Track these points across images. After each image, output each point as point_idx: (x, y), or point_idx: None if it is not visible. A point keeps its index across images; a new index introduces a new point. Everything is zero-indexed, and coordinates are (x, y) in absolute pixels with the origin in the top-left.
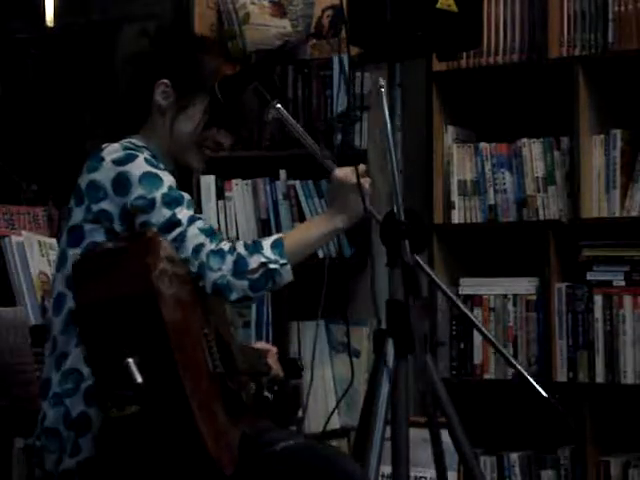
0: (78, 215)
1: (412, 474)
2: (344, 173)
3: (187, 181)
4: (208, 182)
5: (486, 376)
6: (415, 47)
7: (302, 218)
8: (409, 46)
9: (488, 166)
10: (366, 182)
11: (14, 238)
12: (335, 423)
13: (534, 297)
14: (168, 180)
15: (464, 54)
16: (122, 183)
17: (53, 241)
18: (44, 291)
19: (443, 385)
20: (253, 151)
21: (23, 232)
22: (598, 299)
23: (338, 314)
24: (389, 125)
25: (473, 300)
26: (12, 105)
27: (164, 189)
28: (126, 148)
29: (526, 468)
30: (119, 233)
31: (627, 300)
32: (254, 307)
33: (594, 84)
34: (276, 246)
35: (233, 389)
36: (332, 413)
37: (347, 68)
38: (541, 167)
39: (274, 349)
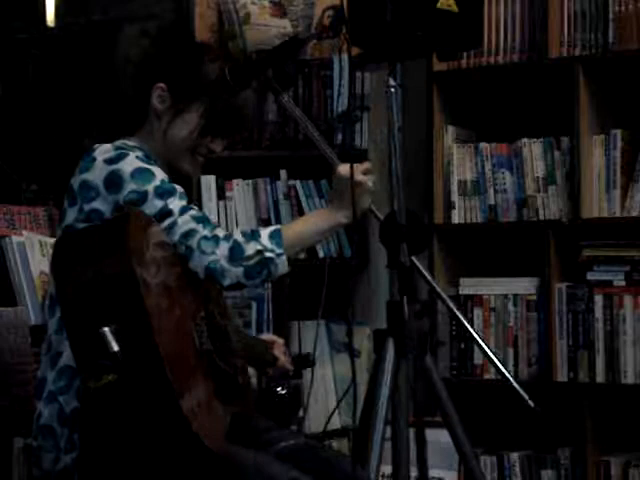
0: (71, 215)
1: (412, 474)
2: (347, 169)
3: (187, 182)
4: (208, 182)
5: (486, 376)
6: (415, 47)
7: None
8: (409, 46)
9: (488, 166)
10: (370, 180)
11: (15, 238)
12: (335, 423)
13: (534, 297)
14: (160, 174)
15: (464, 54)
16: (114, 181)
17: (54, 241)
18: (45, 291)
19: (443, 385)
20: (253, 151)
21: (24, 232)
22: (598, 299)
23: (339, 314)
24: (397, 125)
25: (473, 300)
26: (12, 105)
27: (156, 182)
28: (118, 148)
29: (526, 468)
30: None
31: (627, 300)
32: (254, 307)
33: (594, 84)
34: (274, 236)
35: (225, 369)
36: (332, 413)
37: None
38: (541, 167)
39: (280, 340)
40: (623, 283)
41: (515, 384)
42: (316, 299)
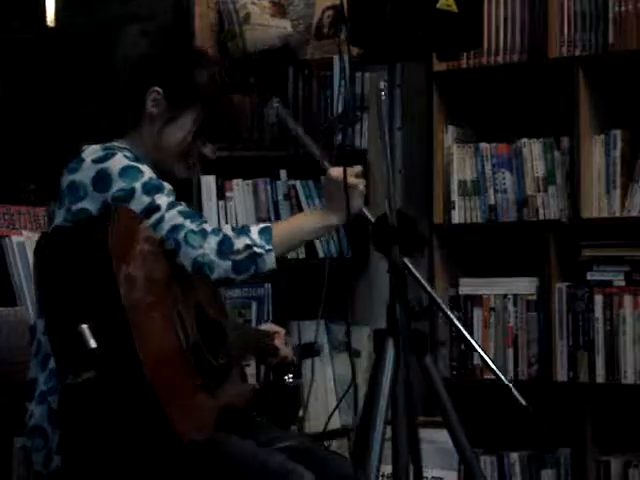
0: (60, 216)
1: (412, 474)
2: (339, 172)
3: (187, 182)
4: (208, 182)
5: (486, 376)
6: (415, 47)
7: None
8: (409, 46)
9: (488, 166)
10: (361, 183)
11: (14, 238)
12: (335, 423)
13: (534, 297)
14: (148, 171)
15: (464, 54)
16: (102, 179)
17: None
18: None
19: (443, 385)
20: (253, 151)
21: (23, 232)
22: (598, 299)
23: (338, 314)
24: (387, 130)
25: (473, 300)
26: (12, 105)
27: (144, 179)
28: (106, 148)
29: (526, 468)
30: None
31: (627, 300)
32: (254, 306)
33: (594, 84)
34: (263, 232)
35: (213, 363)
36: (332, 413)
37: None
38: (541, 167)
39: (282, 330)
40: (623, 283)
41: (513, 388)
42: (316, 299)
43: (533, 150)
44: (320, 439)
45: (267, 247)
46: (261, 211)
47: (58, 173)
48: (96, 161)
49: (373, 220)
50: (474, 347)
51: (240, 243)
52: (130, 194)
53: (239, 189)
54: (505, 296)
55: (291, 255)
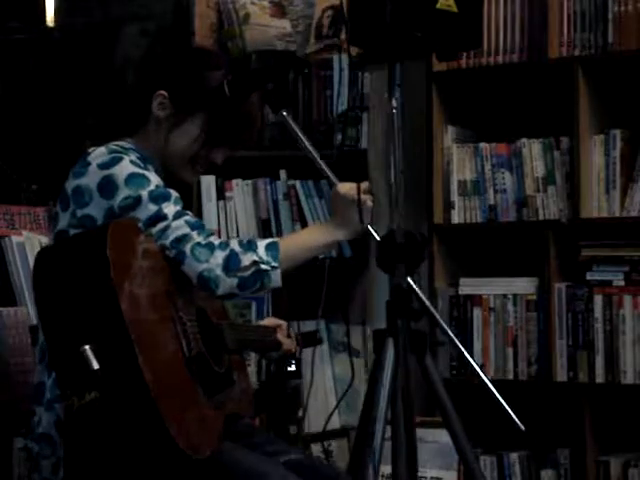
0: (64, 220)
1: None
2: (347, 188)
3: (186, 184)
4: (208, 182)
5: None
6: (415, 47)
7: (302, 218)
8: (409, 46)
9: (488, 166)
10: (368, 200)
11: (14, 238)
12: (335, 423)
13: (534, 297)
14: (155, 179)
15: (464, 54)
16: (108, 186)
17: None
18: None
19: (443, 385)
20: (253, 151)
21: (23, 232)
22: (598, 299)
23: (338, 314)
24: (398, 147)
25: (473, 300)
26: (12, 105)
27: (151, 187)
28: (112, 151)
29: (526, 468)
30: None
31: (627, 300)
32: (254, 306)
33: (594, 84)
34: (270, 248)
35: (218, 371)
36: (332, 413)
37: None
38: (541, 167)
39: (284, 324)
40: (622, 283)
41: (501, 400)
42: (316, 299)
43: (533, 150)
44: (320, 439)
45: (273, 264)
46: (261, 211)
47: (59, 173)
48: (102, 166)
49: (378, 238)
50: (475, 367)
51: (247, 259)
52: (137, 202)
53: (239, 189)
54: (505, 296)
55: None
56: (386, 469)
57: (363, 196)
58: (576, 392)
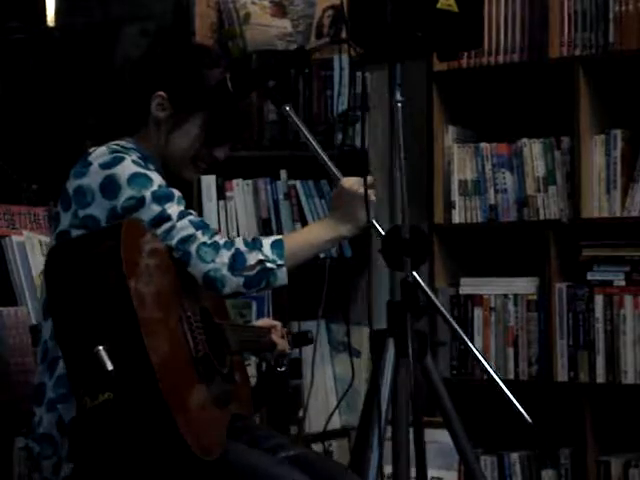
0: (66, 220)
1: (412, 474)
2: (351, 183)
3: (187, 182)
4: (208, 182)
5: (486, 376)
6: (415, 47)
7: (303, 218)
8: (409, 46)
9: (488, 166)
10: (372, 194)
11: (15, 238)
12: (336, 423)
13: (535, 297)
14: (157, 179)
15: (465, 54)
16: (110, 186)
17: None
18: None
19: (443, 385)
20: (254, 151)
21: (24, 232)
22: (599, 299)
23: (339, 314)
24: (402, 143)
25: (473, 300)
26: (12, 105)
27: (154, 187)
28: (113, 151)
29: (526, 468)
30: None
31: (628, 300)
32: (254, 306)
33: (594, 84)
34: (276, 246)
35: (222, 372)
36: (332, 413)
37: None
38: (541, 167)
39: (278, 324)
40: (623, 283)
41: (512, 397)
42: (316, 299)
43: (533, 150)
44: (320, 439)
45: (279, 262)
46: (261, 211)
47: (59, 173)
48: (104, 166)
49: (382, 232)
50: (478, 357)
51: (253, 258)
52: (140, 203)
53: (239, 189)
54: (505, 296)
55: None
56: (386, 469)
57: (368, 191)
58: (577, 392)
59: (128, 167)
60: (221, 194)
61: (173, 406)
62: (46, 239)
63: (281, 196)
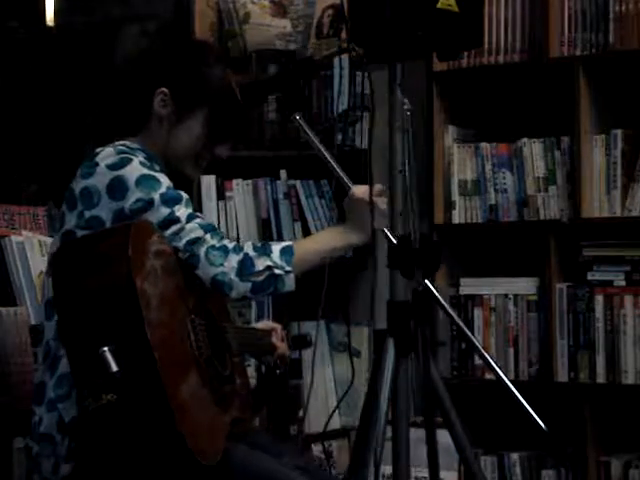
0: (71, 221)
1: (412, 474)
2: (362, 191)
3: (187, 182)
4: (208, 182)
5: (487, 376)
6: (416, 47)
7: (303, 218)
8: (410, 46)
9: (489, 166)
10: (382, 202)
11: (14, 238)
12: (336, 423)
13: (535, 297)
14: (165, 181)
15: (465, 54)
16: (118, 187)
17: (52, 245)
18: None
19: (444, 385)
20: (254, 151)
21: (23, 232)
22: (599, 299)
23: (339, 314)
24: (412, 150)
25: (474, 300)
26: (12, 105)
27: (162, 189)
28: (120, 152)
29: (527, 468)
30: None
31: (628, 300)
32: (254, 307)
33: (595, 84)
34: (285, 253)
35: (223, 374)
36: (332, 413)
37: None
38: (542, 167)
39: (279, 327)
40: (623, 283)
41: (527, 406)
42: (316, 299)
43: (533, 150)
44: (320, 439)
45: (287, 268)
46: (261, 211)
47: (59, 173)
48: (111, 167)
49: (394, 240)
50: (491, 365)
51: (261, 264)
52: (149, 205)
53: (239, 189)
54: (506, 296)
55: None
56: (386, 469)
57: (377, 199)
58: (577, 392)
59: (136, 169)
60: (221, 194)
61: (177, 409)
62: (46, 239)
63: (281, 196)
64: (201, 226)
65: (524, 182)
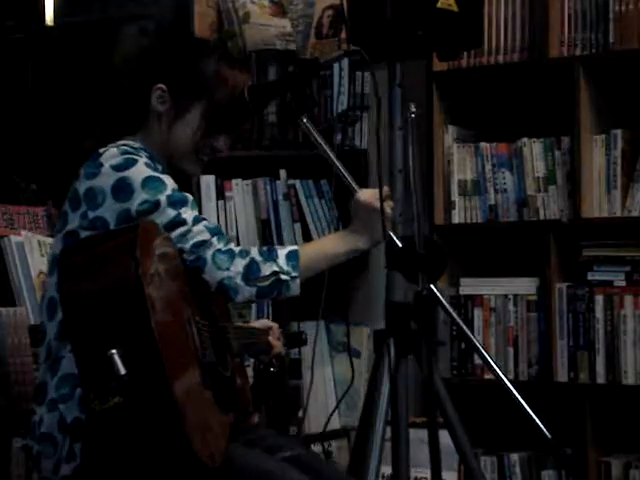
0: (74, 221)
1: (412, 474)
2: (368, 196)
3: (187, 181)
4: (208, 182)
5: (487, 376)
6: (416, 47)
7: (302, 218)
8: (409, 46)
9: (488, 166)
10: (388, 206)
11: (14, 238)
12: (335, 423)
13: (535, 297)
14: (170, 183)
15: (464, 54)
16: (123, 189)
17: (53, 243)
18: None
19: (444, 385)
20: (253, 151)
21: (23, 232)
22: (599, 299)
23: (338, 314)
24: (412, 153)
25: (473, 300)
26: (11, 105)
27: (168, 191)
28: (124, 152)
29: (526, 468)
30: None
31: (628, 300)
32: (254, 307)
33: (595, 84)
34: (291, 258)
35: (226, 376)
36: (332, 413)
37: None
38: (542, 167)
39: (275, 326)
40: (623, 283)
41: (535, 417)
42: (316, 299)
43: (533, 150)
44: (320, 440)
45: (293, 274)
46: (261, 211)
47: (59, 173)
48: (116, 168)
49: (400, 245)
50: (495, 371)
51: (267, 269)
52: (155, 207)
53: (238, 189)
54: (505, 296)
55: None
56: (386, 470)
57: (384, 203)
58: (577, 393)
59: (141, 170)
60: (220, 194)
61: (183, 412)
62: (45, 239)
63: (280, 196)
64: (208, 229)
65: (524, 182)
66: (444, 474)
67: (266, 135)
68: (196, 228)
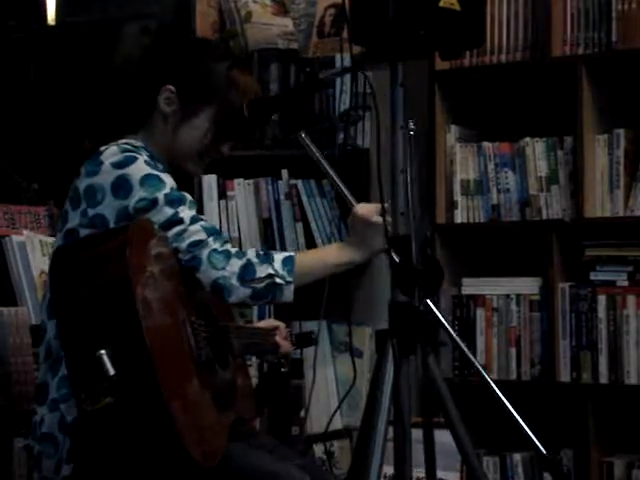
0: (74, 219)
1: (412, 474)
2: (366, 210)
3: (188, 181)
4: (210, 181)
5: (489, 376)
6: (418, 46)
7: (304, 218)
8: (412, 45)
9: (491, 165)
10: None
11: (15, 238)
12: (337, 423)
13: (537, 297)
14: (169, 181)
15: (467, 53)
16: (122, 186)
17: (53, 243)
18: (44, 291)
19: (446, 385)
20: (255, 151)
21: (24, 231)
22: (601, 299)
23: (340, 314)
24: (412, 168)
25: (476, 300)
26: (13, 104)
27: (166, 190)
28: (125, 150)
29: (529, 469)
30: None
31: (631, 300)
32: (255, 307)
33: (598, 83)
34: (287, 263)
35: (224, 375)
36: (334, 413)
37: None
38: (544, 166)
39: (282, 325)
40: (626, 283)
41: (523, 423)
42: (317, 299)
43: (536, 149)
44: (322, 440)
45: (288, 279)
46: (262, 211)
47: (60, 173)
48: (116, 165)
49: (397, 260)
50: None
51: (262, 271)
52: (152, 204)
53: (240, 188)
54: (508, 296)
55: None
56: (388, 470)
57: (379, 218)
58: (579, 393)
59: (141, 168)
60: (222, 194)
61: (174, 412)
62: (47, 239)
63: (282, 196)
64: (204, 229)
65: (526, 182)
66: (447, 474)
67: (268, 135)
68: (193, 227)
